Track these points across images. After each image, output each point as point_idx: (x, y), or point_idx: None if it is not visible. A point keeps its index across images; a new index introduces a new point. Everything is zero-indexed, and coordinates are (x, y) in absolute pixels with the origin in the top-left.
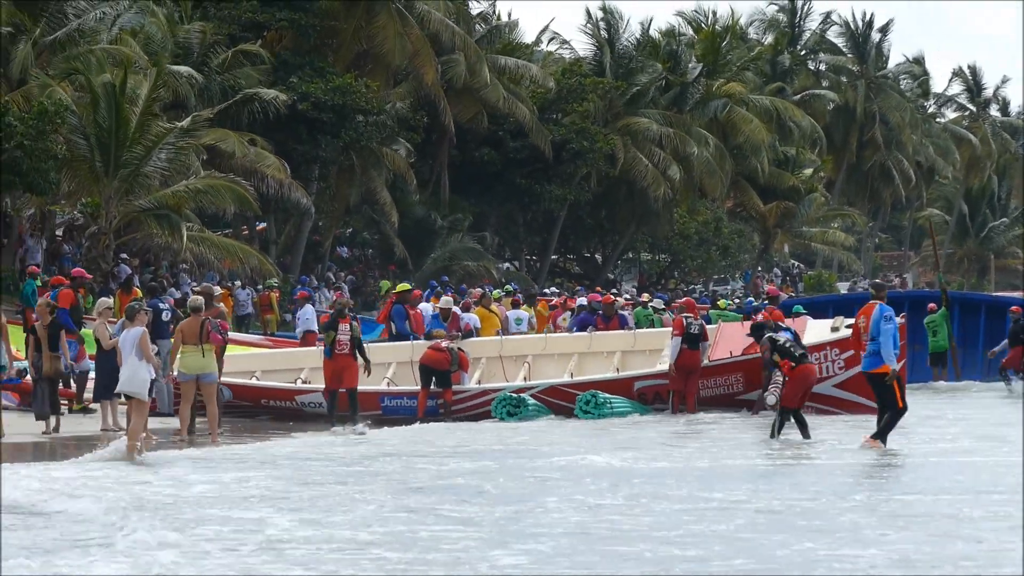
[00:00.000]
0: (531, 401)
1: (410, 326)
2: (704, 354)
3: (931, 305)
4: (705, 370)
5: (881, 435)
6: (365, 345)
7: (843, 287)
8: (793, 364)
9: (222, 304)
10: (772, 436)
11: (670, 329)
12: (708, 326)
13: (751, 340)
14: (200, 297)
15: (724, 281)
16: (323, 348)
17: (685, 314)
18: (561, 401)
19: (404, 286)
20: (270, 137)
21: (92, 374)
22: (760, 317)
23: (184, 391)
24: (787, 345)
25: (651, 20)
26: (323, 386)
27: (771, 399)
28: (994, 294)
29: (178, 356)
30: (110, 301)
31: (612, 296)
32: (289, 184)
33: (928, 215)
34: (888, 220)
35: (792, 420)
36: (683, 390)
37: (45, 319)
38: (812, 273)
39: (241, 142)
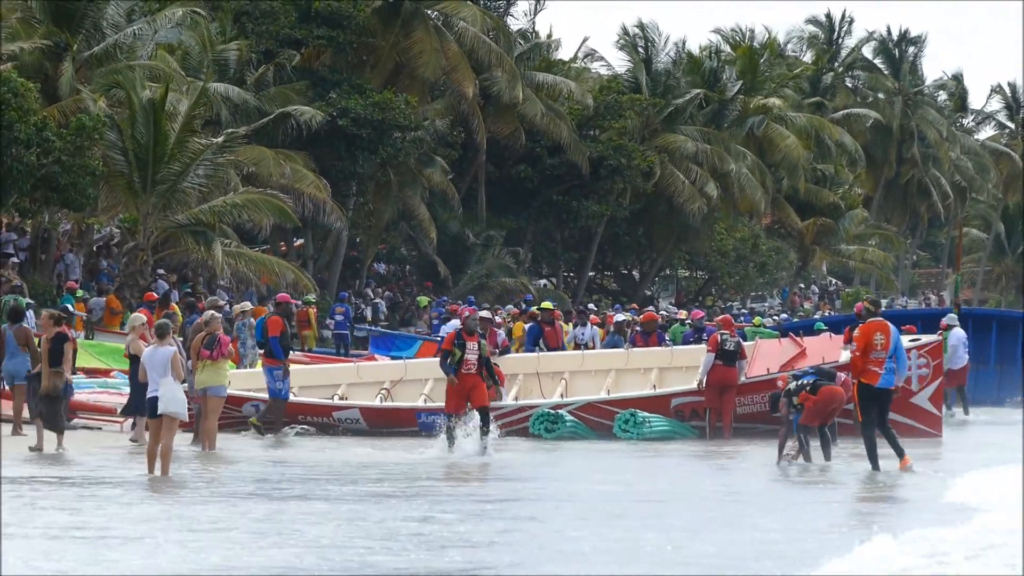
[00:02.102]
0: (568, 418)
1: (545, 344)
2: (742, 372)
3: (944, 322)
4: (742, 387)
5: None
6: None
7: (883, 304)
8: (810, 392)
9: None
10: (807, 459)
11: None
12: (745, 343)
13: (788, 356)
14: (211, 311)
15: (761, 298)
16: (450, 367)
17: (722, 331)
18: (598, 418)
19: (547, 305)
20: (308, 153)
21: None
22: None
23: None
24: (799, 383)
25: (685, 41)
26: (362, 402)
27: (784, 462)
28: (1002, 309)
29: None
30: (144, 317)
31: (653, 313)
32: (324, 205)
33: (964, 233)
34: (925, 237)
35: (817, 439)
36: (718, 407)
37: (49, 331)
38: (850, 291)
39: (277, 161)
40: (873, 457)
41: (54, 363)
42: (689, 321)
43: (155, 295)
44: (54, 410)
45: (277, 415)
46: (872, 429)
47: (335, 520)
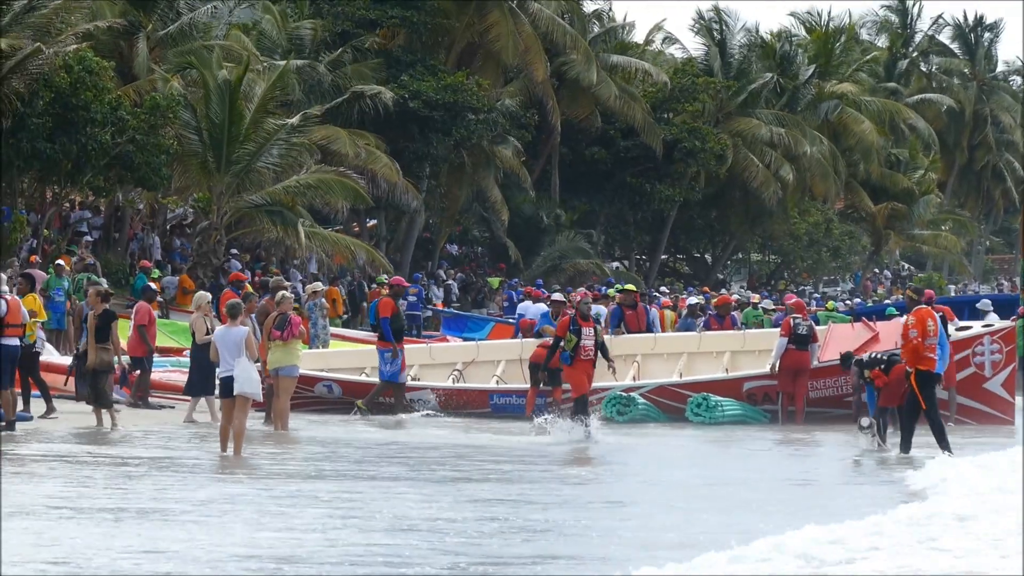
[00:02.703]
0: (640, 400)
1: (626, 327)
2: (814, 356)
3: (1021, 309)
4: (814, 372)
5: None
6: None
7: (952, 290)
8: (884, 371)
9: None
10: (882, 442)
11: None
12: (818, 327)
13: (861, 341)
14: (284, 292)
15: (834, 282)
16: (562, 353)
17: (794, 315)
18: (670, 401)
19: (630, 287)
20: (381, 134)
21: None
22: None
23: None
24: (873, 357)
25: (758, 25)
26: (434, 383)
27: (865, 421)
28: None
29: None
30: (209, 295)
31: (727, 296)
32: (398, 185)
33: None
34: (1000, 223)
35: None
36: (791, 391)
37: (97, 308)
38: (923, 276)
39: (352, 141)
40: (944, 441)
41: (101, 339)
42: (762, 306)
43: (244, 275)
44: (100, 387)
45: (398, 397)
46: (938, 412)
47: (410, 502)
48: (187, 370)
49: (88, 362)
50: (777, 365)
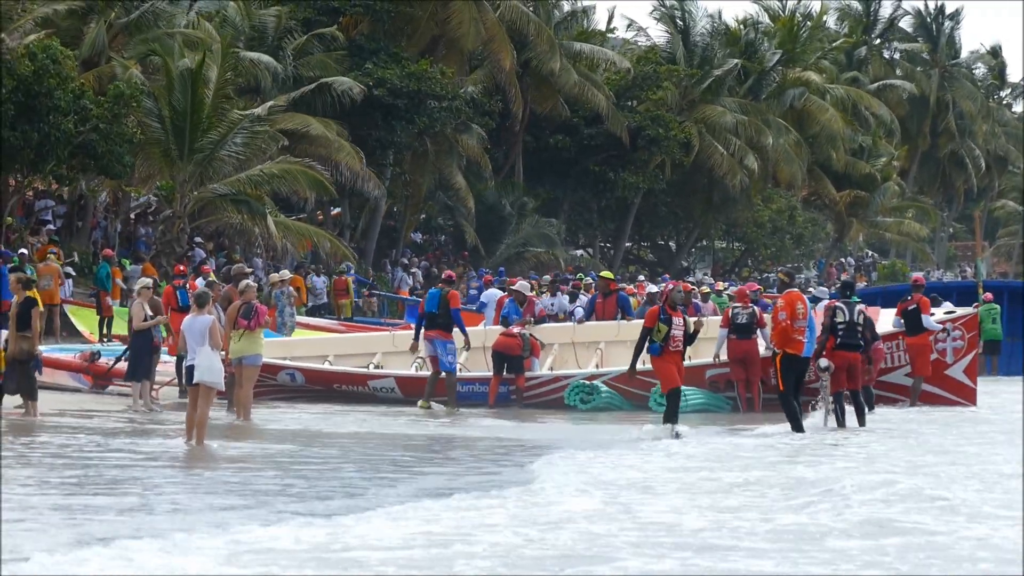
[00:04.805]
0: (604, 388)
1: (596, 317)
2: (767, 341)
3: (987, 295)
4: (767, 359)
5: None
6: None
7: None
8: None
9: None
10: (841, 425)
11: None
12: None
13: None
14: (247, 280)
15: (798, 270)
16: (651, 344)
17: (734, 305)
18: (634, 388)
19: (607, 274)
20: (345, 122)
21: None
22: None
23: (235, 374)
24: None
25: (720, 12)
26: (397, 372)
27: (824, 362)
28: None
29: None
30: (149, 281)
31: (690, 285)
32: (363, 173)
33: (1000, 205)
34: (962, 210)
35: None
36: (744, 379)
37: (19, 296)
38: (886, 263)
39: (328, 128)
40: (797, 423)
41: (21, 328)
42: (726, 293)
43: (186, 270)
44: (26, 375)
45: (451, 389)
46: (791, 397)
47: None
48: None
49: (9, 352)
50: (720, 355)
